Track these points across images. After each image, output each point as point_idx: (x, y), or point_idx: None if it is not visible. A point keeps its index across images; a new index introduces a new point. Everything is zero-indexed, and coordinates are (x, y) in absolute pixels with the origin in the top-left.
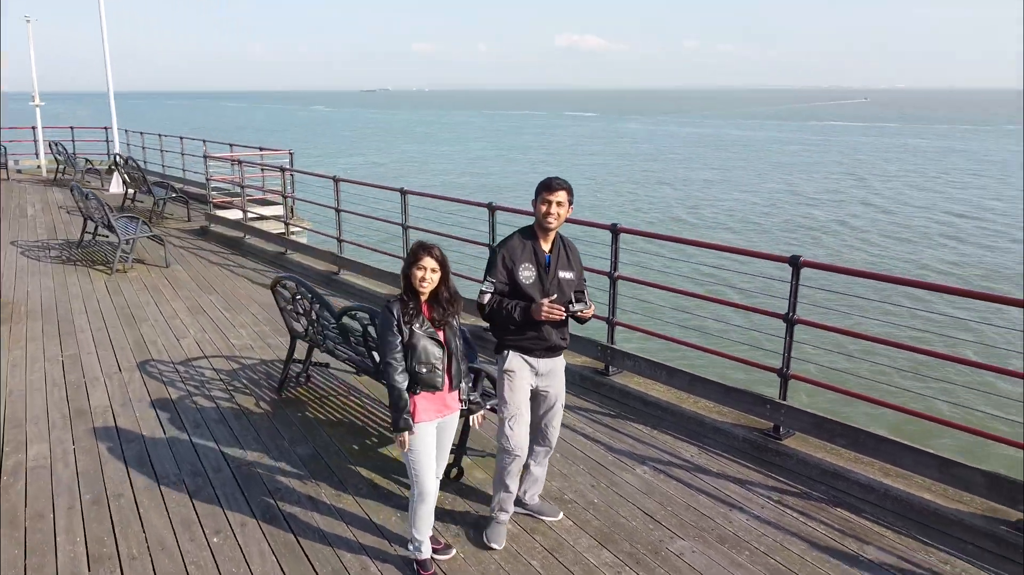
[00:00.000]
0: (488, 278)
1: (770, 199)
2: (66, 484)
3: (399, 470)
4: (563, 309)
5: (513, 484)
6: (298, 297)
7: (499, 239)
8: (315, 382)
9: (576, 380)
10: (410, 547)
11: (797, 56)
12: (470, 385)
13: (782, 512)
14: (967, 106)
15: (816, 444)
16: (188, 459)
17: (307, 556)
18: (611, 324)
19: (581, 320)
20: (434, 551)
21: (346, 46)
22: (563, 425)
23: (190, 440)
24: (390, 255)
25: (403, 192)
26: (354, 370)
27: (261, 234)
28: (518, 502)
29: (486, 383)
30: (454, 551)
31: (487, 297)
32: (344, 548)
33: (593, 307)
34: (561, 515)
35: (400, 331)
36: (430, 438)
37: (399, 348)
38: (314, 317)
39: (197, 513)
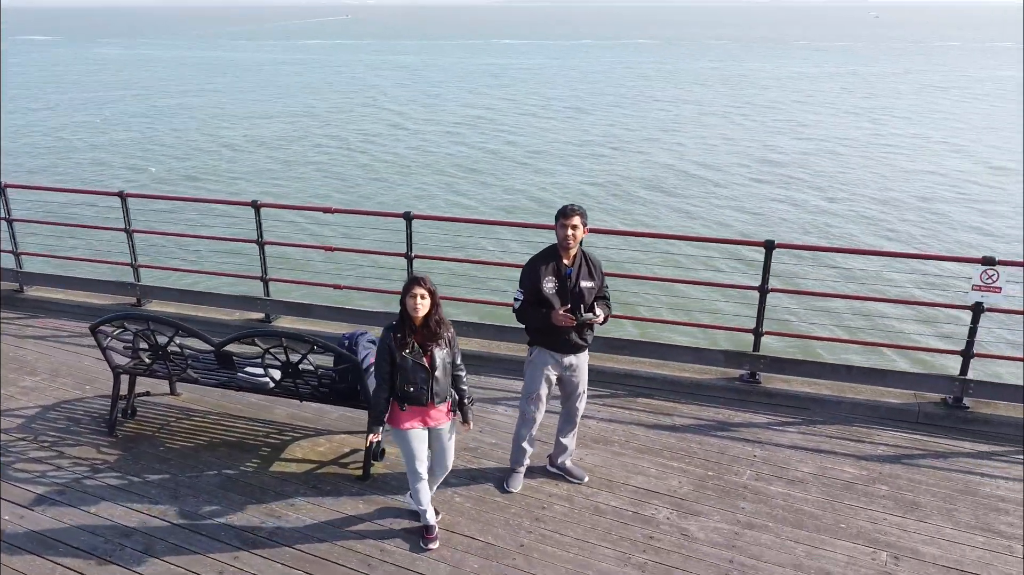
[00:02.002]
0: (520, 288)
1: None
2: None
3: (291, 463)
4: (573, 318)
5: (527, 444)
6: (133, 331)
7: (415, 248)
8: (142, 414)
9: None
10: (420, 518)
11: None
12: (465, 396)
13: (758, 433)
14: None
15: (786, 379)
16: (93, 531)
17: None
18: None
19: (593, 325)
20: (428, 531)
21: None
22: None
23: (80, 508)
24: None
25: (256, 206)
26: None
27: None
28: (552, 463)
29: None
30: (435, 546)
31: (517, 304)
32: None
33: (602, 316)
34: (587, 478)
35: (392, 357)
36: (416, 441)
37: (386, 373)
38: (176, 350)
39: None
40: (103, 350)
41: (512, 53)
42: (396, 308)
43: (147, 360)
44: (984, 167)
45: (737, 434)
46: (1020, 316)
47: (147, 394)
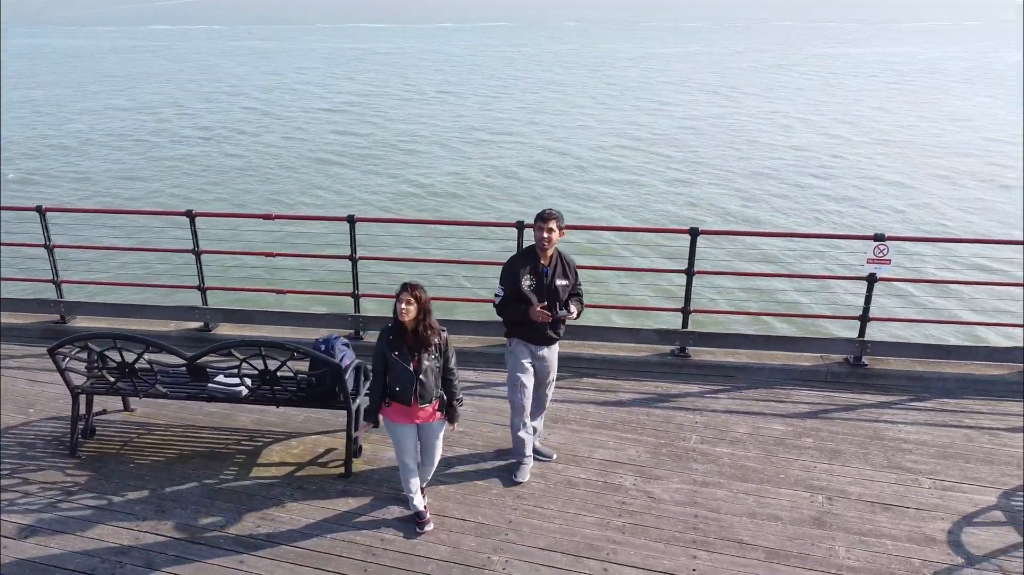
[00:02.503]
0: (501, 285)
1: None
2: None
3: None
4: (549, 315)
5: (524, 434)
6: (98, 351)
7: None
8: (100, 432)
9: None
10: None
11: None
12: (455, 398)
13: (695, 401)
14: None
15: (711, 351)
16: (87, 554)
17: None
18: None
19: (566, 320)
20: (419, 517)
21: None
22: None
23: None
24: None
25: (191, 216)
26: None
27: None
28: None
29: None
30: (430, 527)
31: (498, 300)
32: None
33: (576, 312)
34: (555, 455)
35: (385, 359)
36: (404, 434)
37: (380, 371)
38: (145, 366)
39: None
40: (62, 371)
41: (371, 36)
42: (342, 310)
43: (111, 378)
44: (856, 144)
45: (678, 404)
46: (906, 283)
47: (104, 412)
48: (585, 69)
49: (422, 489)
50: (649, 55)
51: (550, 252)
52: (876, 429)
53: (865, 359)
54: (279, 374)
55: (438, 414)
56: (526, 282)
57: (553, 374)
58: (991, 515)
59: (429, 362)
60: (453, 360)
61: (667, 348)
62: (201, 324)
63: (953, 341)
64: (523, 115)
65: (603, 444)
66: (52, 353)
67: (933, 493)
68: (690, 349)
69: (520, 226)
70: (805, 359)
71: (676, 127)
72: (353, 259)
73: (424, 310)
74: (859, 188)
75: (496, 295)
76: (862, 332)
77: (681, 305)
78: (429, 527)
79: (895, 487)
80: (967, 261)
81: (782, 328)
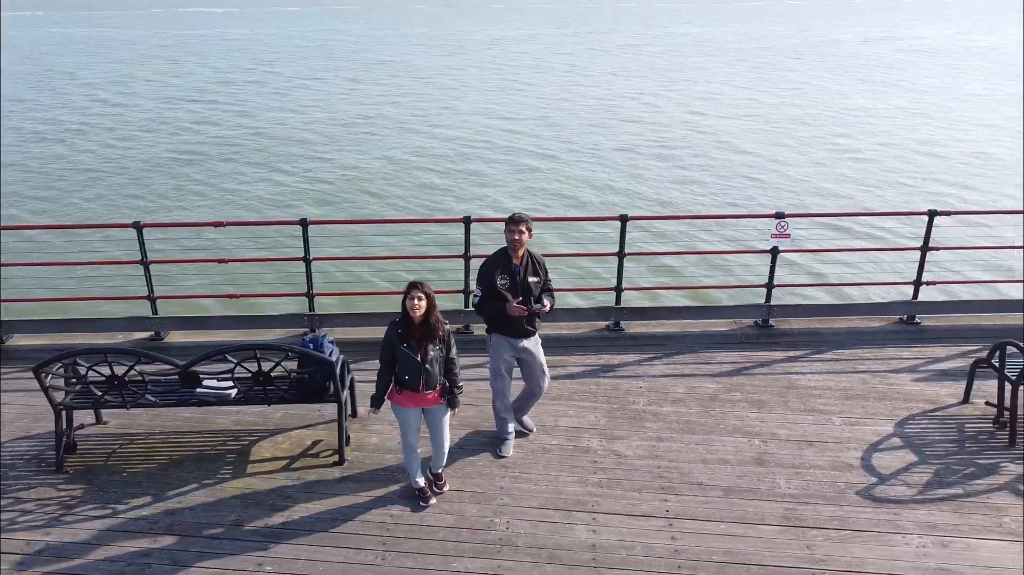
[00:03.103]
0: (478, 285)
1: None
2: None
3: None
4: (525, 309)
5: (505, 414)
6: (87, 366)
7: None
8: (81, 447)
9: None
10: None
11: None
12: (455, 385)
13: (635, 369)
14: None
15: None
16: (111, 560)
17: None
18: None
19: (540, 314)
20: (436, 480)
21: None
22: None
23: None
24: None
25: (139, 227)
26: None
27: None
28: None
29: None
30: (433, 501)
31: (476, 299)
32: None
33: (548, 306)
34: (535, 429)
35: (393, 349)
36: (410, 418)
37: (388, 361)
38: (136, 377)
39: None
40: (45, 389)
41: (208, 22)
42: (297, 310)
43: (97, 392)
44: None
45: (621, 372)
46: (803, 253)
47: (82, 427)
48: (441, 52)
49: (439, 474)
50: (503, 38)
51: (521, 252)
52: (790, 380)
53: (772, 321)
54: (272, 374)
55: (442, 399)
56: (500, 281)
57: (544, 367)
58: (891, 442)
59: (434, 352)
60: (454, 350)
61: (603, 323)
62: (152, 334)
63: (841, 301)
64: (389, 102)
65: (564, 413)
66: (37, 372)
67: (844, 429)
68: (623, 323)
69: (467, 221)
70: (722, 325)
71: (547, 109)
72: (307, 260)
73: (432, 304)
74: (751, 166)
75: (475, 295)
76: (768, 298)
77: (614, 284)
78: (433, 500)
79: (814, 427)
80: (854, 231)
81: (700, 300)
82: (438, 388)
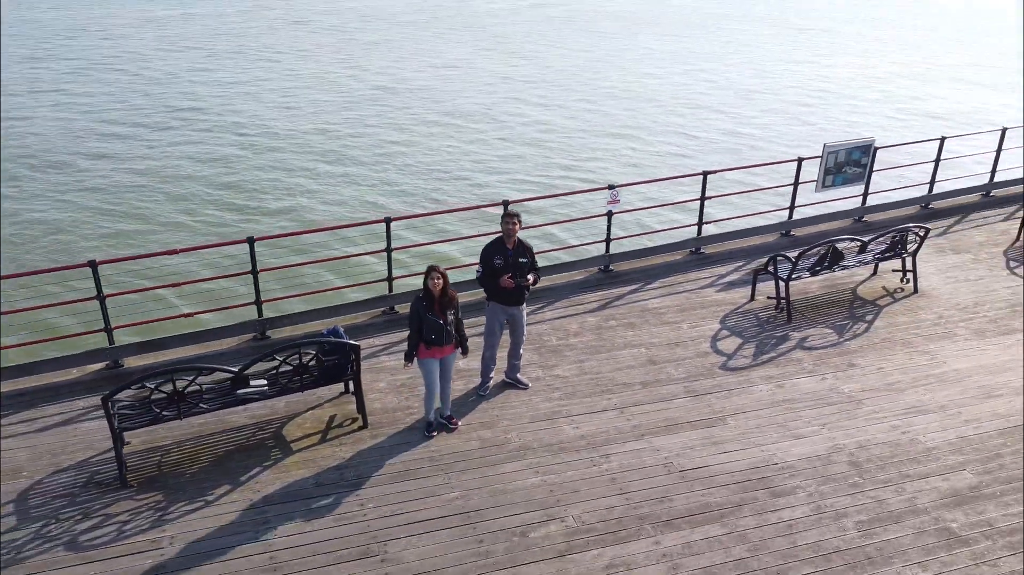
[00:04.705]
0: (480, 265)
1: None
2: None
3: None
4: (515, 282)
5: (491, 363)
6: (151, 386)
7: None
8: (140, 460)
9: None
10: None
11: None
12: (464, 339)
13: (531, 318)
14: None
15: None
16: (238, 533)
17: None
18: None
19: (529, 287)
20: (448, 421)
21: None
22: None
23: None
24: None
25: (94, 265)
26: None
27: None
28: (508, 377)
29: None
30: (456, 429)
31: (478, 275)
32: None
33: (533, 280)
34: (531, 385)
35: (421, 317)
36: (433, 366)
37: (416, 326)
38: (197, 390)
39: None
40: (111, 416)
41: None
42: (251, 316)
43: (156, 409)
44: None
45: (527, 321)
46: (631, 213)
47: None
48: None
49: (450, 416)
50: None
51: (513, 239)
52: (642, 306)
53: (612, 267)
54: (308, 364)
55: (455, 349)
56: (497, 261)
57: (524, 327)
58: (722, 332)
59: (450, 317)
60: (460, 313)
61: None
62: (108, 362)
63: (655, 243)
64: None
65: (504, 358)
66: (106, 401)
67: (691, 331)
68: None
69: (388, 221)
70: (583, 274)
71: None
72: (255, 273)
73: (446, 281)
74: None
75: (477, 271)
76: (607, 251)
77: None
78: (458, 421)
79: (674, 333)
80: (650, 195)
81: (557, 259)
82: (453, 342)
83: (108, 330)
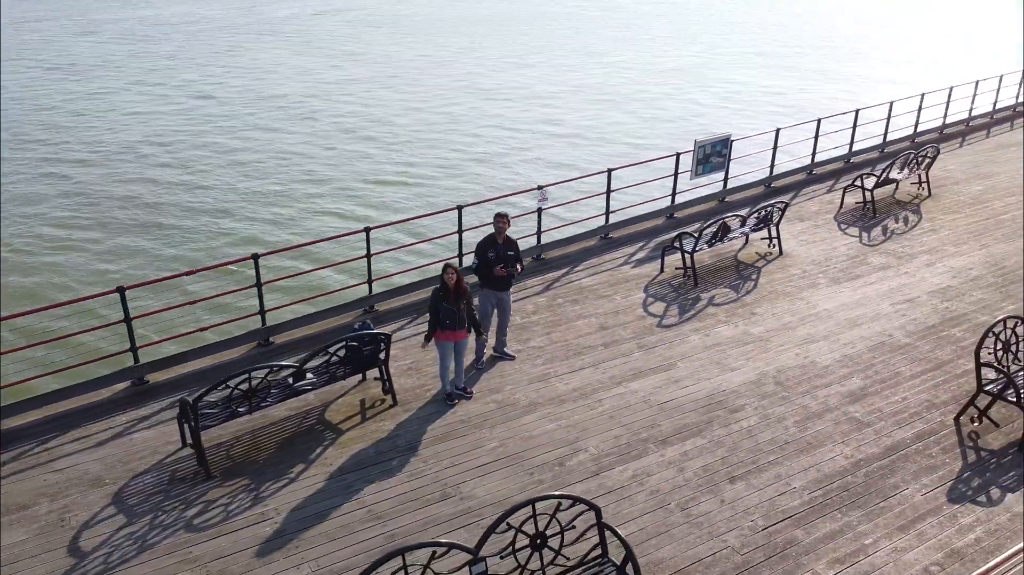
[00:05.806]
0: (475, 257)
1: None
2: None
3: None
4: (505, 271)
5: (485, 341)
6: (232, 386)
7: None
8: (213, 455)
9: None
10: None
11: None
12: (477, 324)
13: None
14: None
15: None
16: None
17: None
18: None
19: (515, 274)
20: (464, 391)
21: None
22: None
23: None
24: None
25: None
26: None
27: None
28: (496, 350)
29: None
30: (471, 398)
31: (475, 266)
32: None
33: (519, 269)
34: (516, 356)
35: (438, 305)
36: (447, 349)
37: (435, 315)
38: (262, 387)
39: None
40: (195, 418)
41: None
42: (256, 325)
43: (232, 406)
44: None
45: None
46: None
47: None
48: None
49: (464, 387)
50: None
51: (503, 235)
52: (578, 285)
53: (543, 255)
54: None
55: (467, 333)
56: (490, 254)
57: (509, 308)
58: (650, 299)
59: (464, 306)
60: (472, 302)
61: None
62: (130, 382)
63: (568, 234)
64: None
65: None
66: (196, 403)
67: (624, 301)
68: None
69: (367, 230)
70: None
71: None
72: (259, 286)
73: (459, 275)
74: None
75: (473, 263)
76: (539, 241)
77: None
78: (472, 392)
79: (611, 304)
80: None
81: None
82: (466, 328)
83: (134, 350)
